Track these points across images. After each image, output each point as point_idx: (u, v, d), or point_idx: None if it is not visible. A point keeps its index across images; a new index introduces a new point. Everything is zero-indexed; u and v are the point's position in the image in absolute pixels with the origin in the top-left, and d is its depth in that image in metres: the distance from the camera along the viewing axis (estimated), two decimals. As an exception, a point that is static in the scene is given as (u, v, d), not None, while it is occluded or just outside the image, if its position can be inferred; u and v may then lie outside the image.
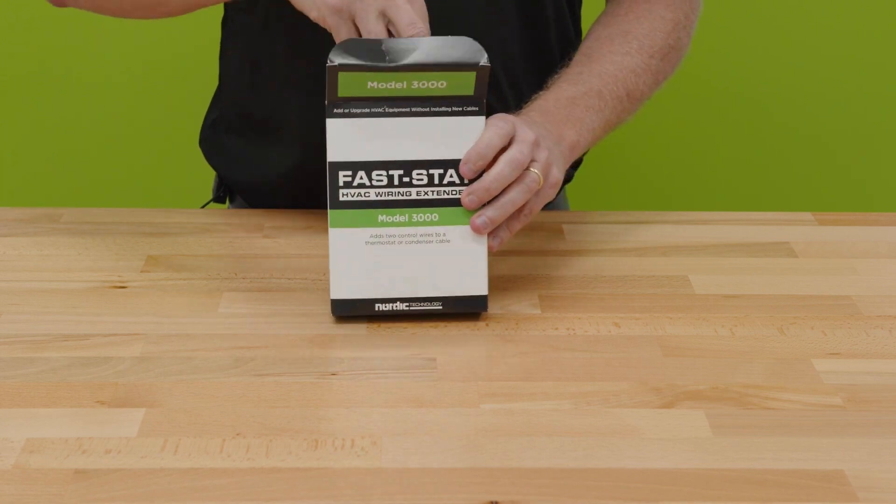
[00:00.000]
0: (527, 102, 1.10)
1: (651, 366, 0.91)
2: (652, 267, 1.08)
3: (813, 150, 1.99)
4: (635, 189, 2.00)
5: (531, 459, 0.79)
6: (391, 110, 0.95)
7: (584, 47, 1.15)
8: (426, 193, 0.95)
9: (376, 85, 0.94)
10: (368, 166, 0.95)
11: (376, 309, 0.95)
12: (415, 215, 0.95)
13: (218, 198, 1.31)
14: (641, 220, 1.19)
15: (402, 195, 0.95)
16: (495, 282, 1.05)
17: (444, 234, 0.95)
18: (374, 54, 0.93)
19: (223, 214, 1.19)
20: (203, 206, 1.29)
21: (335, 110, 0.95)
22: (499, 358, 0.92)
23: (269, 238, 1.13)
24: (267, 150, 1.18)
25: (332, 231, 0.95)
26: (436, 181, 0.95)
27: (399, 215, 0.95)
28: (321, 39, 1.16)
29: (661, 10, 1.16)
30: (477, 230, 0.95)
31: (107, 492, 0.75)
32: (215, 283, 1.04)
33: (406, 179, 0.95)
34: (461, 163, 0.95)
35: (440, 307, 0.96)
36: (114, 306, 1.00)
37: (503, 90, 1.18)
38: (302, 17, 1.16)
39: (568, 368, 0.91)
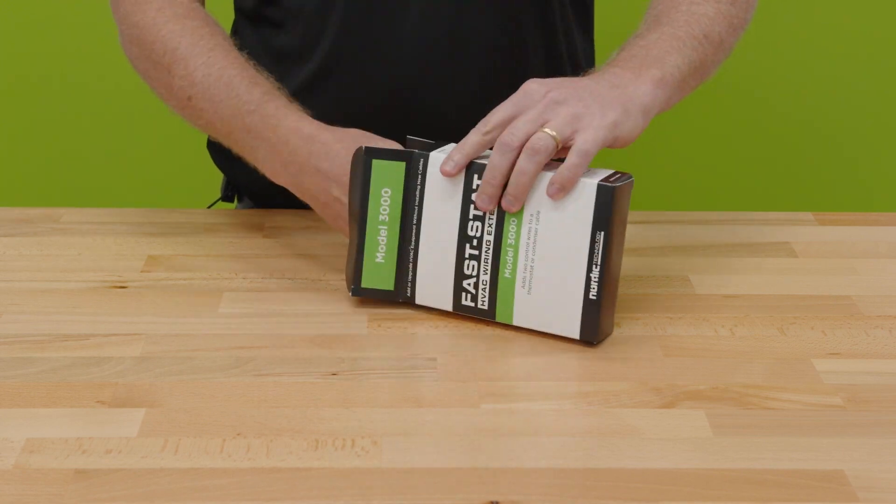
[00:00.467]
0: None
1: (651, 366, 0.91)
2: (652, 267, 1.08)
3: (813, 150, 1.99)
4: (636, 189, 2.00)
5: (531, 459, 0.79)
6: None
7: (648, 15, 1.09)
8: (490, 228, 0.94)
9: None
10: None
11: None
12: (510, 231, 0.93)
13: (226, 197, 1.31)
14: (641, 220, 1.19)
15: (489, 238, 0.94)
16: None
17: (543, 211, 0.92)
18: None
19: (223, 214, 1.19)
20: (210, 206, 1.29)
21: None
22: (499, 358, 0.92)
23: (269, 238, 1.13)
24: None
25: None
26: (483, 218, 0.94)
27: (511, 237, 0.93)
28: (326, 45, 1.16)
29: None
30: (508, 209, 0.92)
31: (107, 492, 0.75)
32: (215, 283, 1.04)
33: (473, 235, 0.94)
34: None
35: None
36: (114, 306, 1.00)
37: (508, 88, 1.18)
38: (307, 27, 1.16)
39: (568, 368, 0.91)
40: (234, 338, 0.95)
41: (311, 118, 1.03)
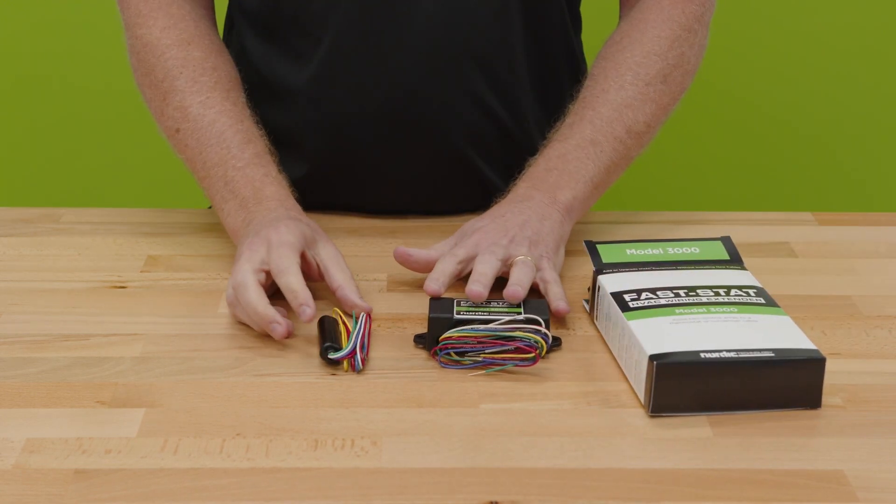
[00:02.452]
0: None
1: (651, 366, 0.91)
2: (652, 267, 1.08)
3: (813, 150, 1.99)
4: (636, 189, 2.00)
5: (531, 459, 0.79)
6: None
7: (583, 88, 1.14)
8: (717, 299, 0.92)
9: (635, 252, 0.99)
10: (652, 290, 0.93)
11: (702, 357, 0.84)
12: (713, 308, 0.91)
13: None
14: (641, 220, 1.19)
15: (693, 301, 0.92)
16: (494, 282, 1.05)
17: (748, 318, 0.90)
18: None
19: (223, 214, 1.19)
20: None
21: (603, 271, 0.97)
22: (499, 358, 0.92)
23: (269, 238, 1.13)
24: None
25: (629, 323, 0.89)
26: (721, 293, 0.93)
27: (696, 308, 0.91)
28: (327, 53, 1.15)
29: (656, 30, 1.13)
30: (513, 297, 0.93)
31: (107, 492, 0.75)
32: (215, 283, 1.04)
33: (693, 294, 0.93)
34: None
35: (773, 355, 0.85)
36: (114, 306, 1.00)
37: (507, 94, 1.18)
38: (306, 35, 1.16)
39: (568, 368, 0.91)
40: (234, 338, 0.95)
41: (289, 193, 1.07)
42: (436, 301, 0.94)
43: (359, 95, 1.15)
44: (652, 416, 0.84)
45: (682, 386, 0.84)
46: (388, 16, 1.12)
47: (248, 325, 0.96)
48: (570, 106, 1.13)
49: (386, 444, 0.81)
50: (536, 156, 1.10)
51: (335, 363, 0.90)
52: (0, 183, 1.97)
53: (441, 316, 0.92)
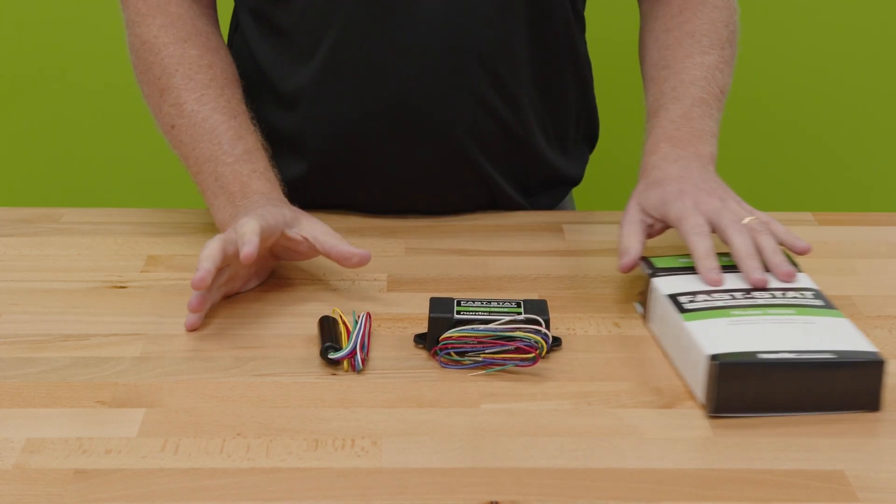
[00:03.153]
0: (650, 129, 1.11)
1: (651, 366, 0.91)
2: (652, 267, 1.08)
3: (813, 150, 1.99)
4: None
5: (531, 459, 0.79)
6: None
7: (657, 57, 1.16)
8: (773, 301, 0.92)
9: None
10: (707, 292, 0.94)
11: (758, 358, 0.84)
12: (769, 310, 0.91)
13: None
14: (641, 220, 1.18)
15: (749, 303, 0.92)
16: (494, 282, 1.05)
17: (806, 320, 0.90)
18: None
19: (223, 214, 1.19)
20: None
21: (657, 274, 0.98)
22: (499, 358, 0.92)
23: (269, 238, 1.13)
24: (274, 160, 1.17)
25: (686, 324, 0.89)
26: (778, 295, 0.93)
27: (753, 310, 0.91)
28: (330, 52, 1.15)
29: (714, 2, 1.18)
30: (788, 276, 0.94)
31: (107, 492, 0.75)
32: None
33: (748, 296, 0.93)
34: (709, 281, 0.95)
35: (833, 357, 0.85)
36: (114, 306, 1.00)
37: (510, 93, 1.18)
38: (310, 33, 1.16)
39: (568, 368, 0.91)
40: (234, 338, 0.95)
41: (277, 188, 1.08)
42: (436, 301, 0.94)
43: (361, 94, 1.15)
44: (711, 418, 0.84)
45: (743, 387, 0.84)
46: (391, 14, 1.12)
47: (247, 325, 0.96)
48: (652, 72, 1.16)
49: (386, 444, 0.81)
50: (654, 119, 1.12)
51: (335, 363, 0.90)
52: (0, 183, 1.97)
53: (441, 316, 0.92)
